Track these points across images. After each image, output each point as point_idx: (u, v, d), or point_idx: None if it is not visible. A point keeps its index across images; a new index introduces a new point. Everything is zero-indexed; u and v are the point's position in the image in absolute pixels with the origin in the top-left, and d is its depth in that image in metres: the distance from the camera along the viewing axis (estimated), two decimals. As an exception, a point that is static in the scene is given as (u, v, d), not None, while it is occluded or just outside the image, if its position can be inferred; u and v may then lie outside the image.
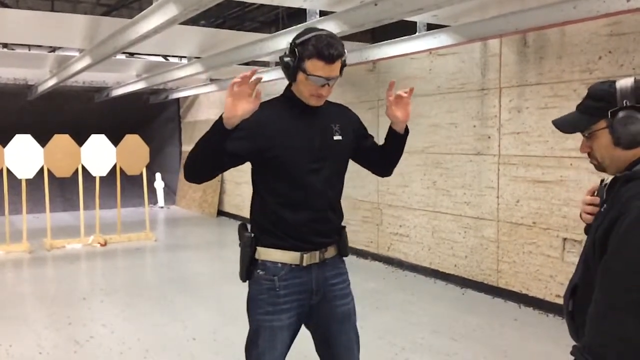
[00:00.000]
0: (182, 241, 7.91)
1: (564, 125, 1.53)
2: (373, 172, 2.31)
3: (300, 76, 1.90)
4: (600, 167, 1.51)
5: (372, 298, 4.83)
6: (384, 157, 2.23)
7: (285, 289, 1.98)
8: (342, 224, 2.14)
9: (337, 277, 2.09)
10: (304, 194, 1.96)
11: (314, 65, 1.85)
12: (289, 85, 2.02)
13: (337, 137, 2.03)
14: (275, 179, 1.97)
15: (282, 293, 1.98)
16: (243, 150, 1.91)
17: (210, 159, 1.87)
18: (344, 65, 1.93)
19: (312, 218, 1.98)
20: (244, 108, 1.76)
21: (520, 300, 4.70)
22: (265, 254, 2.00)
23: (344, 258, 2.16)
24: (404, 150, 2.21)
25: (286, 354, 2.05)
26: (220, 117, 1.78)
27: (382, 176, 2.34)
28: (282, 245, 1.98)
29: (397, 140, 2.16)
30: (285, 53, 1.93)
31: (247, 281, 2.06)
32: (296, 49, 1.88)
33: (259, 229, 2.02)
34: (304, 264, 1.98)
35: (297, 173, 1.95)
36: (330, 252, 2.07)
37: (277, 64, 6.95)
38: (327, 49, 1.84)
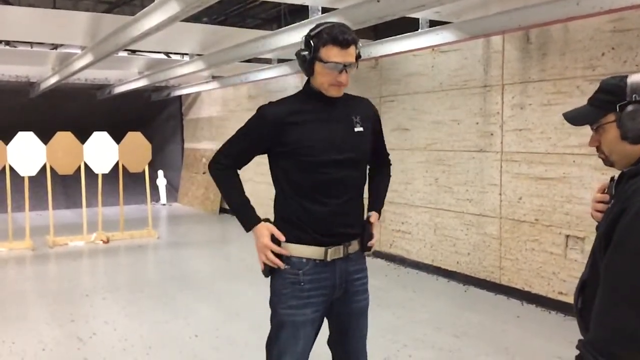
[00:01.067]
0: (185, 238, 7.92)
1: (574, 117, 1.52)
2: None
3: (318, 66, 1.93)
4: (607, 162, 1.50)
5: (374, 295, 4.78)
6: (369, 177, 2.27)
7: (309, 284, 1.98)
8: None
9: (359, 273, 2.11)
10: (327, 185, 1.97)
11: (329, 52, 1.89)
12: (308, 81, 2.04)
13: (358, 129, 2.04)
14: (299, 172, 1.97)
15: (306, 287, 1.98)
16: (265, 138, 1.99)
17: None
18: (358, 56, 1.96)
19: (337, 210, 1.99)
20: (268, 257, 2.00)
21: (522, 297, 4.69)
22: (290, 248, 2.00)
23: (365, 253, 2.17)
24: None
25: (310, 349, 2.04)
26: (249, 224, 2.05)
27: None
28: (306, 239, 1.98)
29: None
30: (300, 48, 1.97)
31: (269, 277, 2.07)
32: (311, 41, 1.92)
33: (283, 223, 2.02)
34: (329, 258, 1.99)
35: (321, 165, 1.96)
36: (354, 246, 2.07)
37: (279, 61, 6.94)
38: (341, 34, 1.89)
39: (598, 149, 1.50)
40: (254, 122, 2.05)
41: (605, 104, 1.44)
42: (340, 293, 2.05)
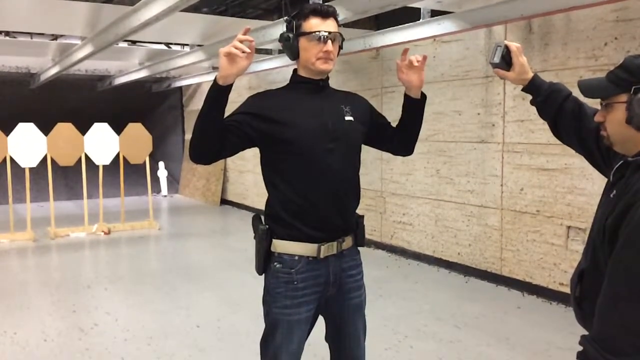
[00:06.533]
0: (186, 230, 7.93)
1: (587, 88, 1.46)
2: (394, 153, 2.27)
3: (302, 43, 1.92)
4: (608, 141, 1.45)
5: (375, 286, 4.84)
6: (403, 133, 2.17)
7: (303, 282, 1.93)
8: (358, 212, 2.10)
9: (354, 269, 2.06)
10: (320, 175, 1.91)
11: (311, 24, 1.91)
12: (295, 71, 2.02)
13: (348, 118, 2.00)
14: (290, 163, 1.92)
15: (300, 286, 1.93)
16: (254, 128, 1.89)
17: (213, 126, 1.83)
18: (342, 37, 1.97)
19: (329, 202, 1.93)
20: (240, 66, 1.79)
21: (523, 288, 4.70)
22: (282, 246, 1.95)
23: (359, 248, 2.12)
24: (422, 119, 2.17)
25: (303, 346, 2.03)
26: (214, 80, 1.80)
27: (405, 155, 2.28)
28: (299, 236, 1.93)
29: (414, 107, 2.13)
30: (283, 32, 1.97)
31: (263, 274, 2.02)
32: (292, 21, 1.95)
33: (274, 220, 1.97)
34: (321, 255, 1.94)
35: (313, 154, 1.91)
36: (348, 242, 2.03)
37: (280, 51, 6.91)
38: (320, 6, 1.92)
39: (602, 124, 1.46)
40: (240, 115, 1.94)
41: (622, 82, 1.37)
42: (334, 290, 2.01)
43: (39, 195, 9.12)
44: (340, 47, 1.98)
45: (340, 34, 1.95)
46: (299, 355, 2.01)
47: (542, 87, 1.81)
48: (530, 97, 1.89)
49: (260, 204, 2.00)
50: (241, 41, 1.78)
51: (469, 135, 5.16)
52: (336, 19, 1.95)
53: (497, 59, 1.80)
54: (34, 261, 6.20)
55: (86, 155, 7.30)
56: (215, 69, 8.83)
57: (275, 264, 1.96)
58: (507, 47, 1.81)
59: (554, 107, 1.77)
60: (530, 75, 1.82)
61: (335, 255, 1.99)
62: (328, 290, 2.00)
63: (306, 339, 2.05)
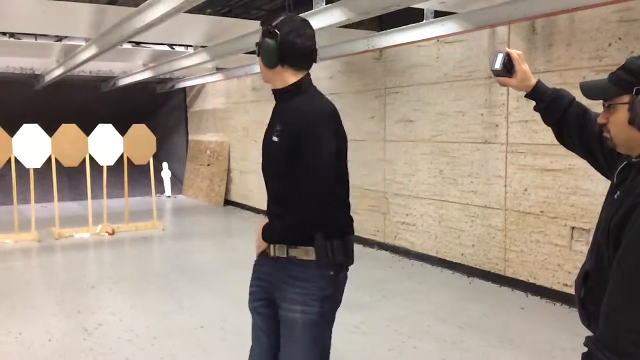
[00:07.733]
0: (190, 230, 7.94)
1: (590, 90, 1.46)
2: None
3: None
4: (612, 142, 1.45)
5: (379, 287, 4.83)
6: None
7: (255, 272, 2.15)
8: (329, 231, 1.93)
9: (297, 280, 1.95)
10: (267, 191, 2.07)
11: None
12: None
13: (274, 139, 1.95)
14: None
15: (254, 276, 2.16)
16: None
17: None
18: (260, 44, 1.96)
19: (269, 210, 2.06)
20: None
21: (527, 289, 4.69)
22: None
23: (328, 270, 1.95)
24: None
25: (273, 343, 2.07)
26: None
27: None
28: None
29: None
30: None
31: None
32: None
33: None
34: (272, 254, 2.02)
35: (262, 168, 2.06)
36: (299, 253, 1.94)
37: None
38: None
39: (604, 126, 1.45)
40: None
41: (624, 84, 1.36)
42: (278, 294, 2.02)
43: (43, 196, 9.14)
44: (259, 55, 1.96)
45: (258, 43, 1.96)
46: (260, 350, 2.13)
47: (545, 93, 1.79)
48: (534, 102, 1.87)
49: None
50: None
51: (472, 136, 5.15)
52: (263, 25, 1.96)
53: (498, 66, 1.78)
54: (39, 262, 6.22)
55: (90, 156, 7.33)
56: (219, 69, 8.85)
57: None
58: (508, 55, 1.79)
59: (558, 113, 1.76)
60: (534, 82, 1.80)
61: (287, 260, 1.96)
62: (274, 290, 2.04)
63: (269, 338, 2.09)
